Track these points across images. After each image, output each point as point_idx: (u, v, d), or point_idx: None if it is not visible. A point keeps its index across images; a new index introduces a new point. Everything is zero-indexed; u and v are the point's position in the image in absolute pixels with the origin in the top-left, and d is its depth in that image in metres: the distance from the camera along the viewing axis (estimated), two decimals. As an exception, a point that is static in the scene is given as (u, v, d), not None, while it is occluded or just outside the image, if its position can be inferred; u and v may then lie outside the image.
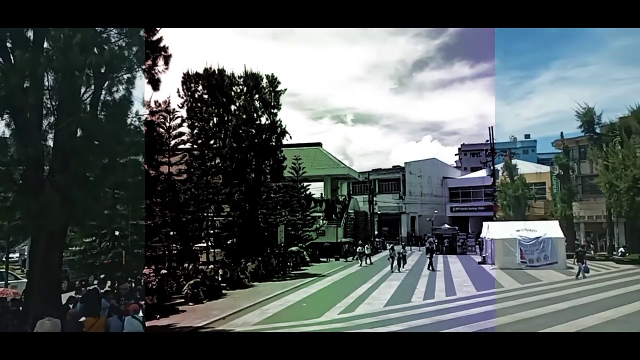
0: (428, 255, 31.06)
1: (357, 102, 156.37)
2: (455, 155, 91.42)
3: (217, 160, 29.96)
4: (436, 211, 60.84)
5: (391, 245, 36.94)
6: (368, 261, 35.24)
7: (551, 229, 29.54)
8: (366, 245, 37.78)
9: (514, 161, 47.59)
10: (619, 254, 32.76)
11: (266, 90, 33.06)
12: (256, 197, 32.05)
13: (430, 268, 29.36)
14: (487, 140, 49.45)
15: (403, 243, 51.81)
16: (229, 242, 29.79)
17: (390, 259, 30.18)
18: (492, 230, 32.02)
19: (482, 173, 60.05)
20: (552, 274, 25.37)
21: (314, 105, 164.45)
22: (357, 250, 38.70)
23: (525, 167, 52.72)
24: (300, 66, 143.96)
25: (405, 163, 66.30)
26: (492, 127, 54.09)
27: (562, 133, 42.54)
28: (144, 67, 13.25)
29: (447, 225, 50.82)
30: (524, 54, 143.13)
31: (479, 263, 33.15)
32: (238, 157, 31.57)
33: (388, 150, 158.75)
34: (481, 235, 36.48)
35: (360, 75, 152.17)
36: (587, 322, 12.85)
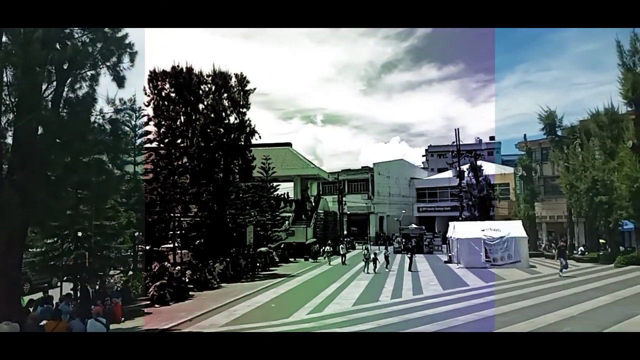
0: (408, 256, 30.67)
1: (326, 103, 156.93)
2: (423, 156, 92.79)
3: (185, 160, 29.52)
4: (404, 211, 61.60)
5: (365, 246, 37.00)
6: (342, 261, 35.25)
7: (514, 229, 30.33)
8: (341, 246, 37.90)
9: (479, 162, 48.59)
10: (579, 252, 33.90)
11: (235, 89, 32.78)
12: (224, 197, 31.72)
13: (411, 268, 29.09)
14: (453, 142, 50.38)
15: (371, 243, 52.24)
16: (196, 243, 29.40)
17: (365, 261, 29.50)
18: (458, 230, 32.64)
19: (449, 174, 61.18)
20: (516, 273, 26.06)
21: (283, 105, 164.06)
22: (326, 250, 38.82)
23: (490, 168, 53.95)
24: (270, 66, 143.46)
25: (374, 164, 66.86)
26: (458, 129, 55.19)
27: (525, 135, 43.71)
28: (108, 64, 12.93)
29: (414, 225, 51.55)
30: (489, 58, 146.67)
31: (445, 262, 33.73)
32: (206, 156, 31.19)
33: (357, 151, 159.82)
34: (447, 235, 37.15)
35: (330, 75, 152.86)
36: (548, 319, 13.23)
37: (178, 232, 27.53)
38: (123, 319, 15.77)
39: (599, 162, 30.99)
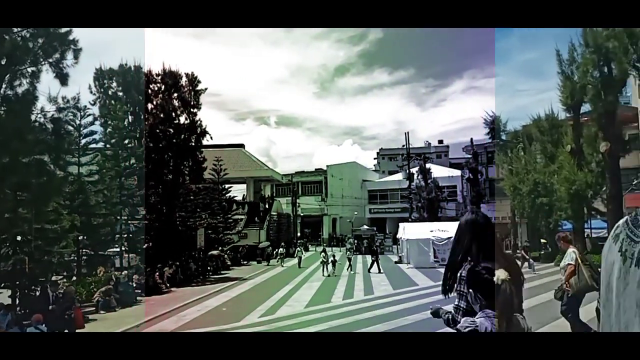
0: (373, 258, 29.99)
1: (280, 105, 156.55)
2: (374, 159, 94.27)
3: (132, 161, 28.63)
4: (356, 213, 62.39)
5: (323, 247, 36.74)
6: (299, 263, 35.15)
7: (462, 230, 31.30)
8: (297, 248, 37.78)
9: (428, 165, 49.95)
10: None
11: (185, 89, 32.12)
12: (174, 199, 30.98)
13: (378, 270, 28.45)
14: (403, 145, 51.66)
15: (324, 244, 52.51)
16: (144, 247, 28.57)
17: (323, 263, 28.70)
18: (408, 231, 33.38)
19: (399, 176, 62.55)
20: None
21: (236, 106, 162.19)
22: (279, 252, 38.67)
23: (438, 171, 55.52)
24: (222, 66, 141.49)
25: (328, 166, 67.35)
26: (408, 132, 56.59)
27: (471, 139, 45.39)
28: (50, 60, 12.37)
29: (366, 226, 52.31)
30: (438, 64, 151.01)
31: (396, 262, 34.39)
32: (154, 157, 30.36)
33: (311, 153, 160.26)
34: (397, 236, 37.91)
35: (284, 77, 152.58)
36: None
37: (125, 236, 26.63)
38: (85, 325, 15.15)
39: (540, 166, 32.55)
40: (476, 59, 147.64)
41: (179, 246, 30.29)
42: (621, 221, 1.31)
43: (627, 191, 30.70)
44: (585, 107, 29.18)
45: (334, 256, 29.79)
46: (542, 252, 32.80)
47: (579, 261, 8.08)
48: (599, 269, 1.37)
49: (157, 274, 24.44)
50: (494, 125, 38.92)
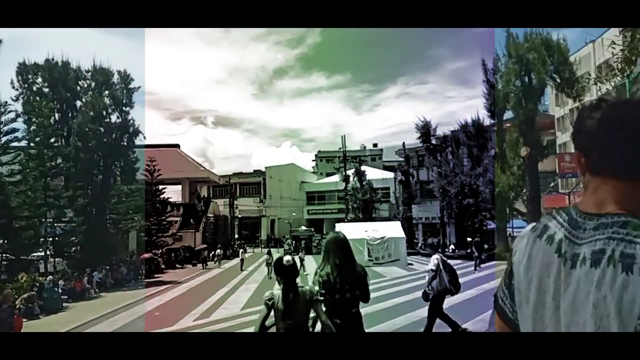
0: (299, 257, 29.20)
1: (218, 105, 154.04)
2: (312, 161, 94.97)
3: (59, 161, 27.25)
4: (294, 214, 62.67)
5: (268, 250, 35.99)
6: (241, 266, 34.53)
7: (394, 230, 32.42)
8: (240, 250, 37.16)
9: (363, 167, 51.17)
10: (450, 251, 37.16)
11: (117, 86, 31.03)
12: (104, 201, 29.83)
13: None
14: (340, 148, 52.54)
15: (262, 245, 52.36)
16: (71, 251, 27.28)
17: (268, 265, 27.43)
18: (344, 231, 33.98)
19: (336, 178, 63.52)
20: (395, 270, 27.85)
21: (172, 105, 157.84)
22: (216, 254, 38.10)
23: (373, 173, 56.93)
24: (158, 65, 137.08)
25: (266, 167, 67.18)
26: (344, 135, 57.50)
27: (404, 143, 46.95)
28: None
29: (304, 227, 52.70)
30: (373, 70, 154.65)
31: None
32: (83, 157, 29.10)
33: (249, 154, 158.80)
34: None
35: (222, 78, 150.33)
36: (422, 313, 14.37)
37: (50, 239, 25.33)
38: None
39: (466, 169, 34.35)
40: (409, 67, 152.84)
41: (109, 250, 29.19)
42: (547, 222, 1.27)
43: (545, 193, 33.10)
44: (508, 114, 31.18)
45: (301, 258, 27.69)
46: (469, 251, 34.54)
47: (440, 267, 8.87)
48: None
49: (86, 278, 23.47)
50: (424, 130, 40.58)
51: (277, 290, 4.40)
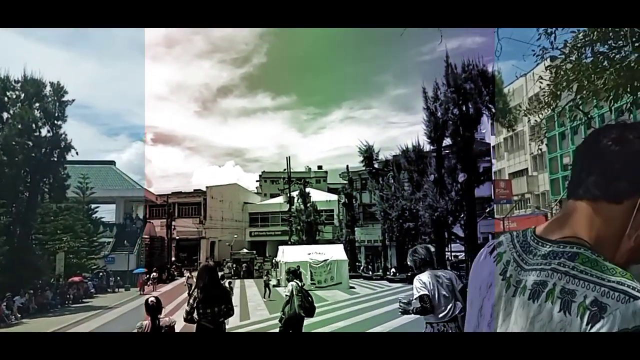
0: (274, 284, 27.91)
1: (158, 121, 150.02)
2: (256, 181, 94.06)
3: (-20, 176, 25.37)
4: (236, 236, 61.40)
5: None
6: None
7: (337, 252, 32.41)
8: (187, 275, 35.12)
9: (307, 189, 51.19)
10: (391, 274, 37.61)
11: (50, 99, 29.45)
12: (30, 219, 27.92)
13: (267, 296, 26.36)
14: (285, 169, 52.44)
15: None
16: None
17: (266, 287, 26.83)
18: (287, 254, 33.67)
19: (280, 199, 63.13)
20: (337, 294, 27.71)
21: (109, 120, 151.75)
22: (152, 277, 36.52)
23: (317, 195, 57.08)
24: (95, 78, 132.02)
25: (207, 187, 65.66)
26: (289, 157, 57.53)
27: (347, 166, 47.62)
28: None
29: (245, 250, 51.71)
30: (319, 93, 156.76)
31: (274, 286, 34.34)
32: (8, 172, 27.19)
33: (190, 173, 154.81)
34: (276, 259, 38.02)
35: (163, 94, 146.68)
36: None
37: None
38: None
39: (407, 193, 35.11)
40: (354, 92, 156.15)
41: (33, 272, 27.21)
42: (503, 238, 1.16)
43: (480, 218, 34.31)
44: (447, 141, 32.29)
45: (230, 283, 24.84)
46: (410, 274, 35.07)
47: (294, 292, 9.26)
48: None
49: (5, 304, 21.71)
50: (367, 153, 41.29)
51: (146, 321, 5.71)
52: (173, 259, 55.88)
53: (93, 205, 39.32)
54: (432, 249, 5.70)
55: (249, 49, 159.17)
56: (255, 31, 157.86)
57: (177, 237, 58.41)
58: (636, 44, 7.80)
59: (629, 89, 7.56)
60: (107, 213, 46.97)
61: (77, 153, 30.58)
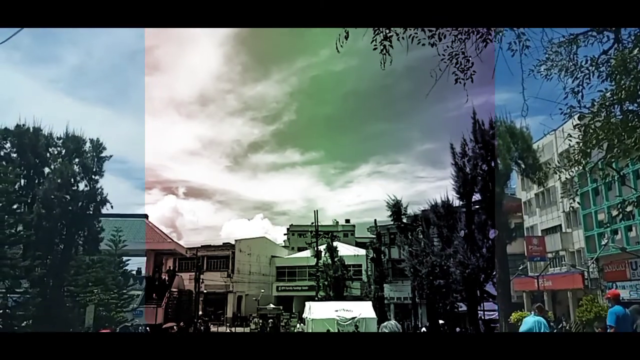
0: None
1: (190, 176, 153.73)
2: (284, 234, 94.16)
3: (19, 228, 26.20)
4: (263, 290, 60.88)
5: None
6: None
7: (365, 310, 31.68)
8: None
9: (335, 243, 50.83)
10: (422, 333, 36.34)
11: (89, 154, 30.74)
12: (63, 271, 28.47)
13: None
14: (312, 223, 52.41)
15: (227, 324, 50.22)
16: (22, 324, 25.52)
17: None
18: (314, 310, 33.11)
19: (307, 253, 62.77)
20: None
21: (143, 175, 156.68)
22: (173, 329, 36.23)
23: (345, 250, 56.57)
24: (131, 134, 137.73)
25: (236, 240, 66.06)
26: (317, 210, 57.78)
27: (375, 220, 47.22)
28: None
29: (272, 305, 51.08)
30: (346, 148, 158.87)
31: (300, 344, 33.63)
32: (46, 225, 28.07)
33: (219, 226, 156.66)
34: (303, 315, 37.38)
35: (196, 149, 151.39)
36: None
37: (1, 311, 23.73)
38: None
39: (437, 249, 34.48)
40: (381, 146, 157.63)
41: (63, 324, 27.42)
42: None
43: (514, 276, 33.25)
44: (477, 196, 31.93)
45: None
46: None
47: None
48: None
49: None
50: (395, 208, 41.06)
51: None
52: (200, 312, 55.53)
53: (124, 258, 39.88)
54: (399, 327, 5.97)
55: (279, 107, 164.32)
56: (286, 90, 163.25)
57: (205, 291, 58.27)
58: (666, 102, 7.82)
59: (660, 147, 7.51)
60: (138, 265, 47.51)
61: (112, 207, 31.45)
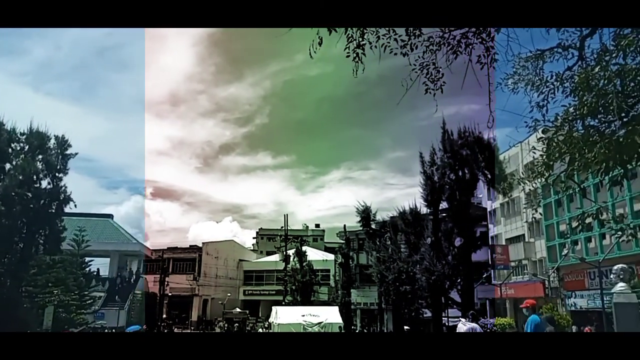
0: None
1: (158, 176, 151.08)
2: (253, 238, 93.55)
3: (-24, 225, 25.27)
4: (229, 294, 60.18)
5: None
6: None
7: (331, 315, 31.69)
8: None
9: (304, 248, 50.78)
10: (386, 338, 36.66)
11: (53, 151, 29.88)
12: (22, 271, 27.53)
13: None
14: (282, 227, 52.23)
15: (192, 328, 49.44)
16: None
17: None
18: (280, 315, 32.91)
19: (276, 257, 62.49)
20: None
21: (110, 174, 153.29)
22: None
23: (313, 254, 56.55)
24: (99, 132, 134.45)
25: (203, 243, 65.16)
26: (287, 214, 57.51)
27: (345, 226, 47.41)
28: None
29: (238, 309, 50.55)
30: (318, 153, 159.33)
31: (266, 348, 33.36)
32: (5, 223, 27.11)
33: (186, 228, 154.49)
34: (270, 320, 37.13)
35: (166, 150, 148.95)
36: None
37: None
38: None
39: (404, 255, 34.87)
40: (352, 153, 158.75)
41: (20, 326, 26.48)
42: None
43: (477, 283, 33.91)
44: (444, 204, 32.48)
45: None
46: (405, 339, 34.21)
47: None
48: None
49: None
50: (365, 214, 41.36)
51: None
52: (164, 315, 54.46)
53: (87, 259, 38.84)
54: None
55: (252, 109, 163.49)
56: (259, 93, 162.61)
57: (170, 294, 57.21)
58: (625, 119, 8.16)
59: (618, 162, 7.81)
60: (100, 267, 46.38)
61: (75, 205, 30.62)
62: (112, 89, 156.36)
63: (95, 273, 42.66)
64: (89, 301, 36.16)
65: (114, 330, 36.12)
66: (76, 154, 30.89)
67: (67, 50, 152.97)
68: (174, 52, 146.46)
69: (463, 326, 11.25)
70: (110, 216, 51.88)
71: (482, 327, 12.09)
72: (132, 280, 47.88)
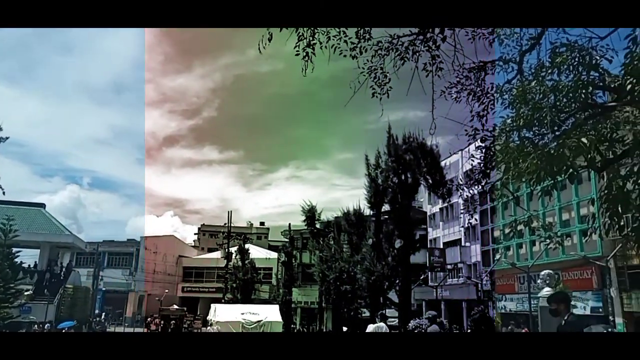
0: None
1: (97, 166, 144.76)
2: (195, 234, 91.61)
3: None
4: (167, 290, 58.64)
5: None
6: None
7: (272, 313, 31.59)
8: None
9: (247, 245, 50.30)
10: (325, 337, 37.01)
11: (-19, 135, 27.94)
12: (-61, 261, 25.59)
13: None
14: (225, 223, 51.50)
15: (126, 324, 47.79)
16: None
17: None
18: (219, 312, 32.44)
19: (218, 254, 61.53)
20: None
21: (44, 161, 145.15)
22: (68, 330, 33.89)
23: (256, 252, 56.13)
24: (35, 117, 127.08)
25: (142, 237, 63.16)
26: (231, 211, 56.69)
27: (290, 224, 47.46)
28: None
29: (175, 306, 49.27)
30: (267, 150, 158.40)
31: (203, 346, 32.77)
32: None
33: (125, 221, 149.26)
34: (208, 317, 36.52)
35: (107, 139, 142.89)
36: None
37: None
38: None
39: (346, 255, 35.35)
40: (301, 152, 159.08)
41: None
42: None
43: (415, 285, 34.92)
44: (386, 207, 33.20)
45: None
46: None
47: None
48: None
49: None
50: (310, 213, 41.57)
51: None
52: (97, 311, 52.26)
53: (15, 249, 36.59)
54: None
55: (200, 102, 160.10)
56: (208, 85, 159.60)
57: (104, 289, 55.00)
58: (557, 132, 8.67)
59: (549, 173, 8.29)
60: (29, 258, 43.88)
61: (3, 193, 28.75)
62: (53, 71, 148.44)
63: (23, 265, 40.27)
64: (15, 294, 34.12)
65: (44, 326, 34.34)
66: (7, 137, 29.03)
67: (5, 28, 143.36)
68: (121, 38, 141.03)
69: (371, 325, 12.44)
70: (43, 205, 49.11)
71: (441, 327, 12.76)
72: (63, 273, 45.54)
